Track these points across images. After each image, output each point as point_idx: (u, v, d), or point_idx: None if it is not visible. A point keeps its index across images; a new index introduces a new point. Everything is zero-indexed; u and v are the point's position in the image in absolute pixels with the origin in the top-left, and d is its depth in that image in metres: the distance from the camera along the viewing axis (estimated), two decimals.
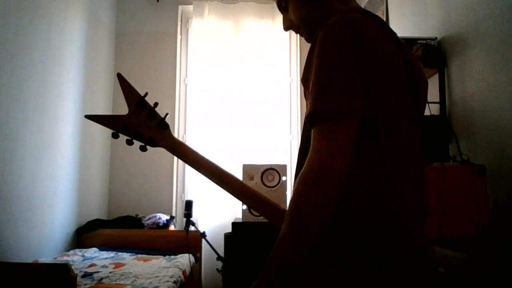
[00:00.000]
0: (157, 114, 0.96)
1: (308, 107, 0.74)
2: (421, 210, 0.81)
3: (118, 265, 2.51)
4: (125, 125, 0.94)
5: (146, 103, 0.96)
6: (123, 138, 0.96)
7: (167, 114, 0.99)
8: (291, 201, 0.71)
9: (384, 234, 0.73)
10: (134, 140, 0.96)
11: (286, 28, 0.99)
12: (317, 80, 0.73)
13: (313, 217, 0.68)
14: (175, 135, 1.00)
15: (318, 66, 0.74)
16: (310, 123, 0.74)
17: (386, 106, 0.75)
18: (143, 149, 0.96)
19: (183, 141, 1.09)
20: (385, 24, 0.84)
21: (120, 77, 0.96)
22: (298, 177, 0.71)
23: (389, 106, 0.76)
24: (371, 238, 0.73)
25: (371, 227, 0.74)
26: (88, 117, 0.94)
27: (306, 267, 0.75)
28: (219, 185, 0.96)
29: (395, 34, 0.85)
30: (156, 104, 0.97)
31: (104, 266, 2.46)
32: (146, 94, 0.96)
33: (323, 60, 0.74)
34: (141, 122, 0.94)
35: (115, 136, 0.95)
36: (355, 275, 0.72)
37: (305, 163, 0.71)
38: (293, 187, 0.73)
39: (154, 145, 0.96)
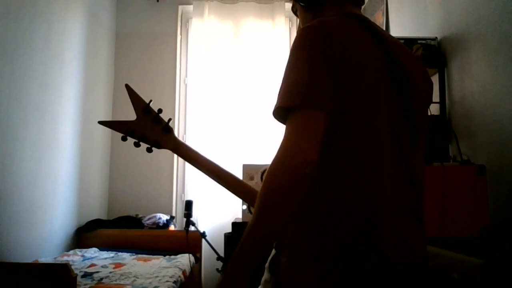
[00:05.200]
0: (161, 119, 1.05)
1: (276, 102, 0.77)
2: (406, 208, 0.80)
3: (118, 265, 2.51)
4: (132, 130, 1.03)
5: (151, 109, 1.05)
6: (129, 140, 1.07)
7: (170, 119, 1.07)
8: (260, 190, 0.72)
9: (356, 231, 0.74)
10: (141, 143, 1.05)
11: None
12: (286, 77, 0.77)
13: (279, 205, 0.70)
14: (175, 135, 1.08)
15: (288, 65, 0.78)
16: (279, 118, 0.78)
17: (358, 103, 0.76)
18: (149, 150, 1.05)
19: (183, 141, 1.15)
20: (370, 26, 0.84)
21: (128, 87, 1.06)
22: (268, 167, 0.73)
23: (362, 103, 0.76)
24: (342, 235, 0.74)
25: (342, 223, 0.74)
26: (101, 122, 1.04)
27: (288, 261, 0.78)
28: (218, 182, 1.03)
29: (380, 35, 0.84)
30: (160, 111, 1.06)
31: (104, 266, 2.46)
32: (151, 101, 1.06)
33: (293, 59, 0.78)
34: (147, 127, 1.04)
35: (124, 139, 1.04)
36: (332, 273, 0.73)
37: (275, 153, 0.73)
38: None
39: (159, 147, 1.04)
